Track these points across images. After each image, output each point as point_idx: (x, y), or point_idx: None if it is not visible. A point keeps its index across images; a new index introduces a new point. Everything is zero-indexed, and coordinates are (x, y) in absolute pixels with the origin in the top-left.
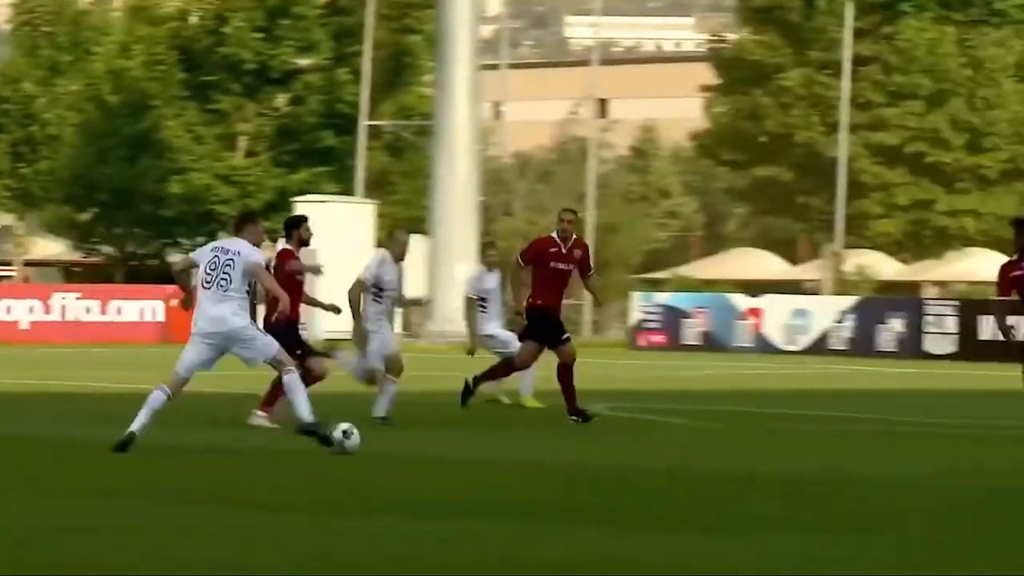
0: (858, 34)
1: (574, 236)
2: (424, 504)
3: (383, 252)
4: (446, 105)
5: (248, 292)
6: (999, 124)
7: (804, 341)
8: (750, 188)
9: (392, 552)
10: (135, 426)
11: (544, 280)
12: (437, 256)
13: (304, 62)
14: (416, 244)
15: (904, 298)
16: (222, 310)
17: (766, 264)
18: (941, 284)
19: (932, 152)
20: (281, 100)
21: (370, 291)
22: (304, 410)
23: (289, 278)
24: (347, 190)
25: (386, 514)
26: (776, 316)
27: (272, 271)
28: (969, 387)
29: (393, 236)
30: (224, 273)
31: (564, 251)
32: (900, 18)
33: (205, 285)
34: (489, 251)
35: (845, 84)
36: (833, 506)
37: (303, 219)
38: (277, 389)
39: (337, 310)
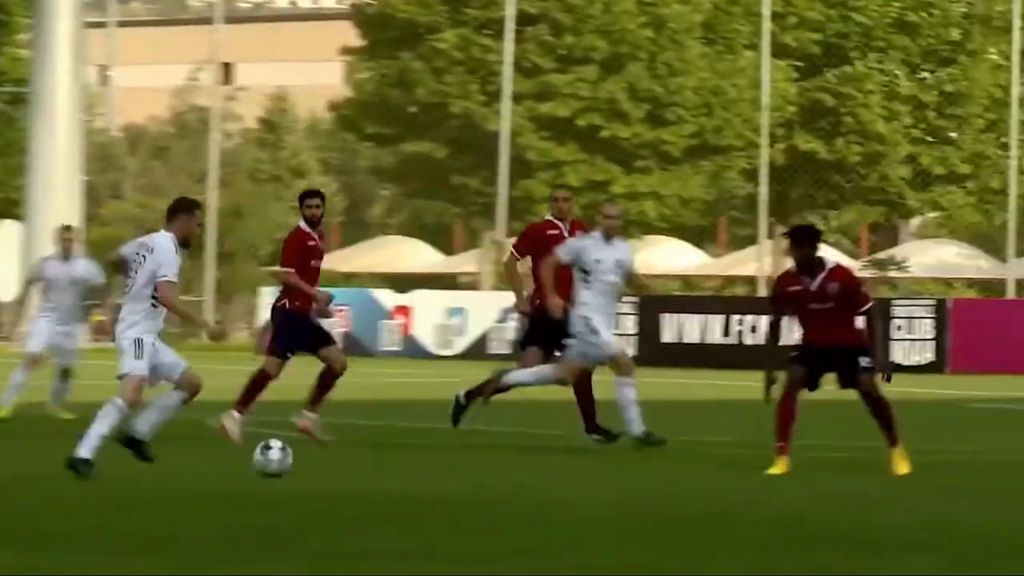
0: None
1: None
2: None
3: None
4: (44, 69)
5: (155, 298)
6: (684, 93)
7: (460, 344)
8: (398, 166)
9: None
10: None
11: (556, 278)
12: (33, 245)
13: None
14: (8, 231)
15: None
16: (119, 323)
17: (417, 255)
18: None
19: (608, 126)
20: None
21: (576, 273)
22: (91, 442)
23: (304, 261)
24: None
25: None
26: (428, 315)
27: (290, 250)
28: (652, 396)
29: (601, 210)
30: (133, 272)
31: (567, 234)
32: None
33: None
34: (65, 235)
35: (508, 47)
36: (472, 535)
37: (308, 194)
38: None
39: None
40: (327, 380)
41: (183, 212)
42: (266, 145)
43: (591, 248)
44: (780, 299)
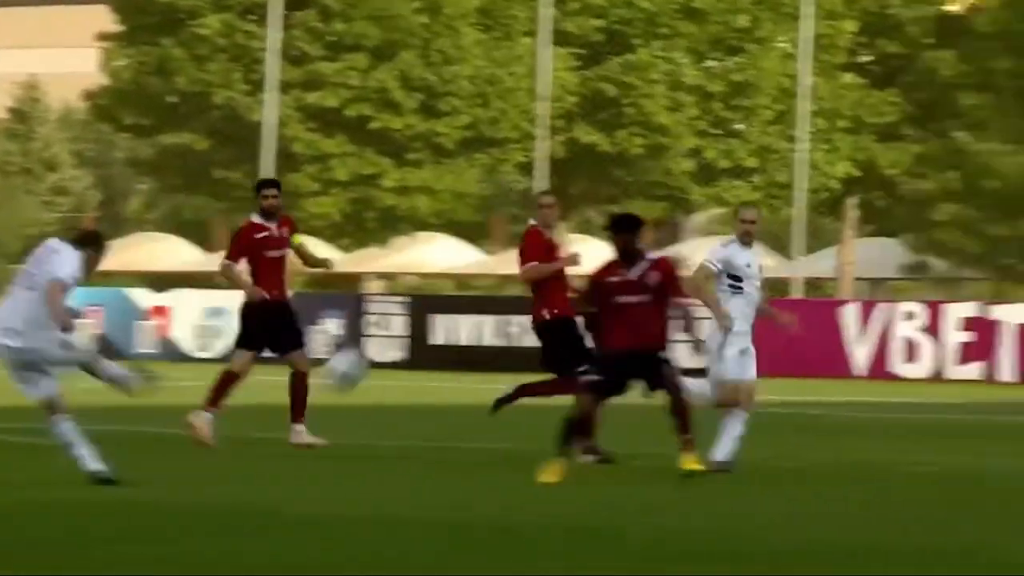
0: None
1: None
2: None
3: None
4: None
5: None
6: (458, 82)
7: (221, 346)
8: (156, 159)
9: None
10: None
11: (556, 283)
12: None
13: None
14: None
15: (342, 294)
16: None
17: (175, 252)
18: (387, 276)
19: (379, 116)
20: None
21: (722, 280)
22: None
23: (254, 253)
24: None
25: None
26: (187, 316)
27: (232, 243)
28: (421, 401)
29: (738, 214)
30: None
31: (556, 241)
32: None
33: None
34: None
35: (274, 33)
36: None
37: (264, 183)
38: (302, 398)
39: (327, 264)
40: (230, 383)
41: (93, 249)
42: (16, 136)
43: (737, 254)
44: (596, 288)
